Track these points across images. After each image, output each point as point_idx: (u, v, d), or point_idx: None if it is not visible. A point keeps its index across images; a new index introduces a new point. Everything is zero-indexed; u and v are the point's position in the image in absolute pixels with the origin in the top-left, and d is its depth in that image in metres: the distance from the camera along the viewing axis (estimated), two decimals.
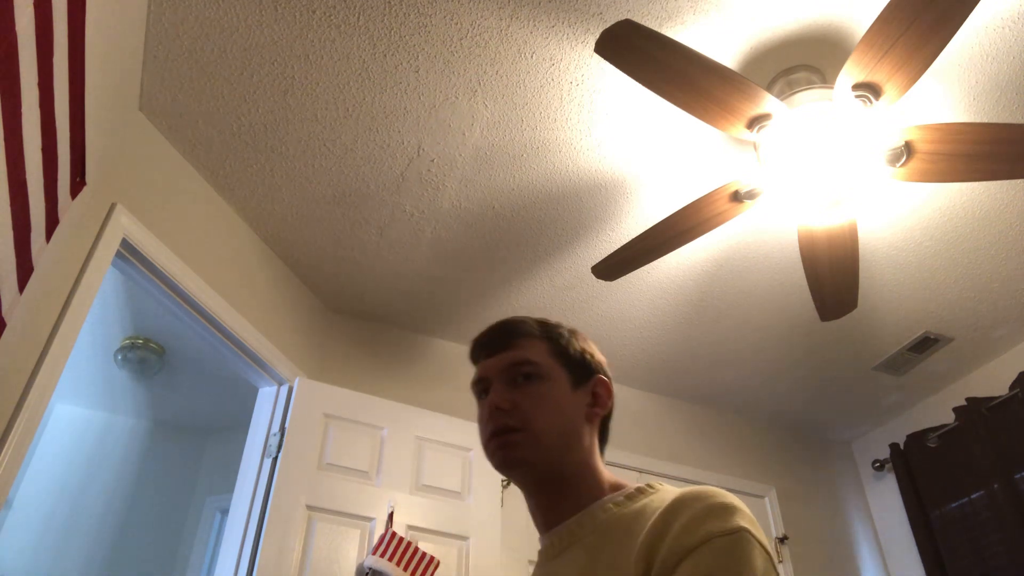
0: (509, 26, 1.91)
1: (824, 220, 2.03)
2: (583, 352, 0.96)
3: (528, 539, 2.76)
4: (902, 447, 3.46)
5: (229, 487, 2.55)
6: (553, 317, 1.03)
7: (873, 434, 3.76)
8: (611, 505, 0.85)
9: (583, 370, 0.94)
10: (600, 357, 1.00)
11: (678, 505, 0.74)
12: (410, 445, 2.63)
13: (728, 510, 0.72)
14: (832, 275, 2.19)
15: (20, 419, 1.56)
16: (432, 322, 3.10)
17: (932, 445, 3.28)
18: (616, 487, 0.89)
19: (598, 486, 0.89)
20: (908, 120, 2.10)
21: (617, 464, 3.14)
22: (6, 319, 1.31)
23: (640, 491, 0.87)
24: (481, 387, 0.93)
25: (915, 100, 2.07)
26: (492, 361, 0.93)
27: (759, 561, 0.69)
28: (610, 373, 1.00)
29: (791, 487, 3.57)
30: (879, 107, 1.73)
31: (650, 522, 0.75)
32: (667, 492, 0.82)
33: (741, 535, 0.70)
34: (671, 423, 3.51)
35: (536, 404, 0.88)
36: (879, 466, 3.61)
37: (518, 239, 2.63)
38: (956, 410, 3.18)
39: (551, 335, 0.95)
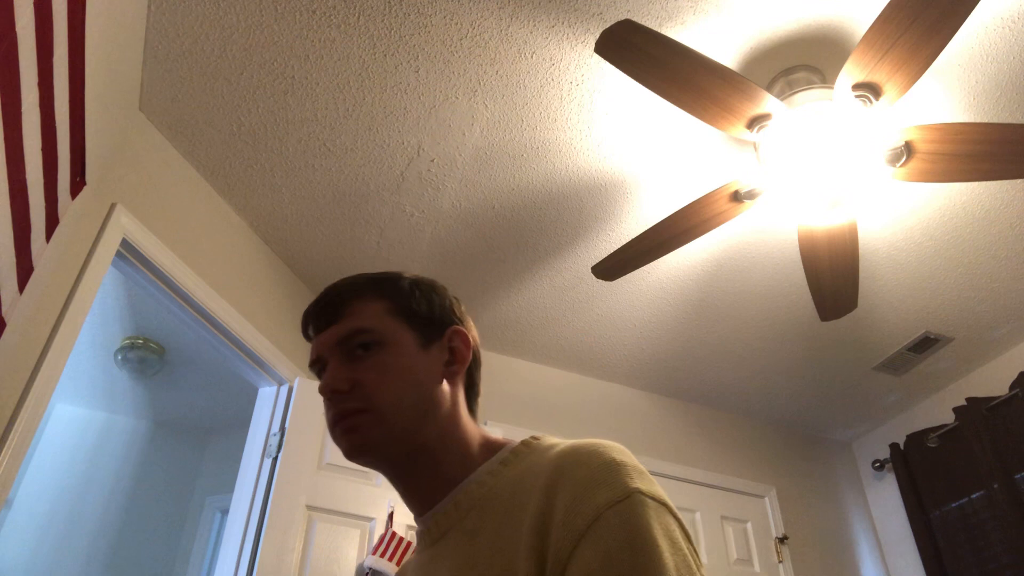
0: (509, 26, 1.91)
1: (824, 220, 2.03)
2: (431, 304, 0.83)
3: None
4: (902, 447, 3.46)
5: (229, 487, 2.55)
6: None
7: (873, 434, 3.76)
8: (486, 477, 0.76)
9: (433, 324, 0.82)
10: (455, 305, 0.87)
11: (559, 474, 0.66)
12: None
13: (612, 469, 0.65)
14: (832, 275, 2.19)
15: (20, 419, 1.56)
16: None
17: (932, 445, 3.28)
18: (490, 449, 0.80)
19: (468, 456, 0.79)
20: (908, 120, 2.10)
21: None
22: (6, 319, 1.31)
23: (515, 454, 0.77)
24: (319, 367, 0.81)
25: (915, 100, 2.07)
26: (323, 336, 0.80)
27: (657, 525, 0.62)
28: (470, 322, 0.88)
29: (791, 487, 3.57)
30: (879, 107, 1.73)
31: (532, 502, 0.66)
32: (545, 452, 0.73)
33: (632, 499, 0.63)
34: (671, 423, 3.51)
35: (378, 377, 0.76)
36: (879, 466, 3.61)
37: (518, 239, 2.63)
38: (956, 410, 3.18)
39: (389, 291, 0.82)
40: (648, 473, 0.68)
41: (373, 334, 0.78)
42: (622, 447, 0.70)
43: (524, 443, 0.79)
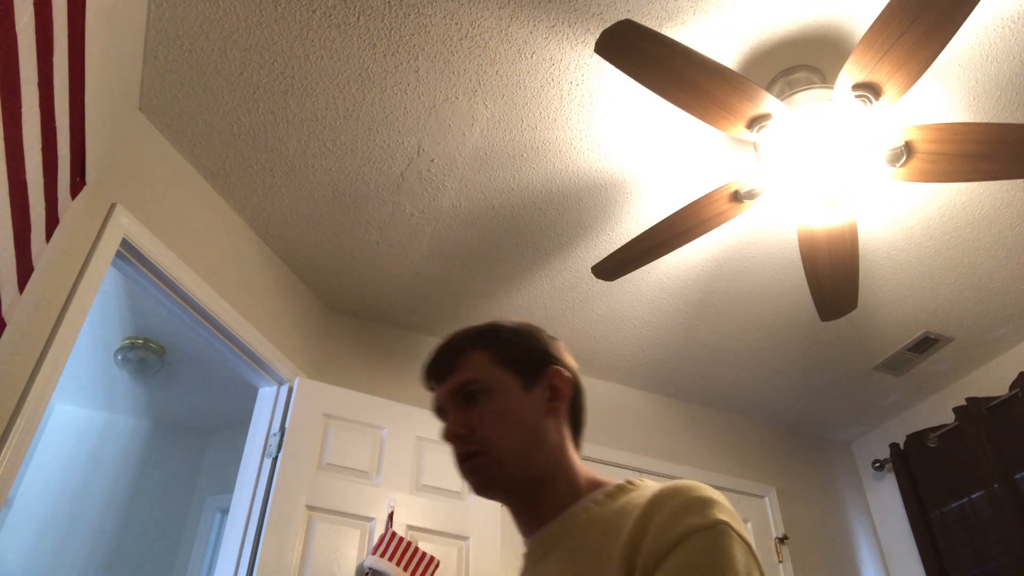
0: (509, 26, 1.91)
1: (824, 220, 2.03)
2: (528, 348, 0.93)
3: None
4: (902, 447, 3.46)
5: (229, 487, 2.55)
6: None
7: (873, 434, 3.76)
8: (591, 505, 0.84)
9: (533, 367, 0.91)
10: (552, 345, 0.96)
11: (656, 502, 0.73)
12: (410, 445, 2.63)
13: (706, 504, 0.72)
14: (832, 275, 2.19)
15: (20, 419, 1.56)
16: (432, 322, 3.10)
17: (932, 445, 3.28)
18: (595, 485, 0.88)
19: (575, 485, 0.87)
20: (908, 120, 2.10)
21: (618, 464, 3.15)
22: (6, 319, 1.31)
23: (620, 488, 0.85)
24: (441, 415, 0.93)
25: (915, 100, 2.07)
26: (441, 389, 0.92)
27: (739, 554, 0.68)
28: (567, 358, 0.96)
29: (791, 487, 3.57)
30: (879, 107, 1.73)
31: (630, 521, 0.74)
32: (647, 488, 0.81)
33: (720, 529, 0.69)
34: (671, 423, 3.51)
35: (490, 421, 0.87)
36: (879, 466, 3.61)
37: (518, 239, 2.63)
38: (956, 410, 3.18)
39: (490, 343, 0.92)
40: (738, 515, 0.74)
41: (481, 383, 0.89)
42: (718, 492, 0.76)
43: (629, 481, 0.86)
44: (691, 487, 0.74)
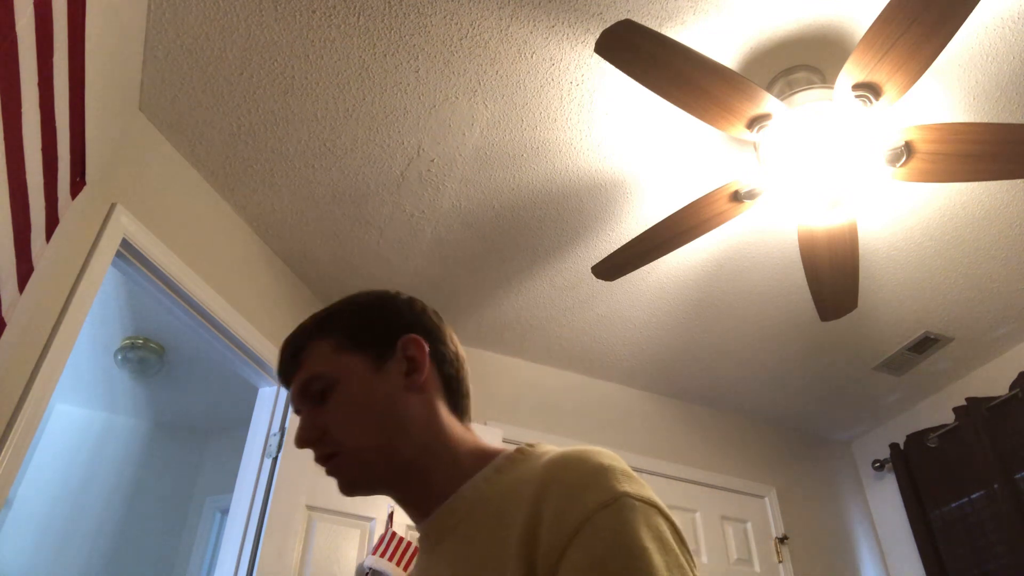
0: (509, 26, 1.91)
1: (824, 220, 2.03)
2: (372, 322, 0.84)
3: None
4: (902, 447, 3.46)
5: (229, 487, 2.55)
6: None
7: (873, 434, 3.76)
8: (480, 482, 0.77)
9: (379, 342, 0.82)
10: (407, 310, 0.86)
11: (549, 479, 0.67)
12: None
13: (600, 473, 0.65)
14: (832, 275, 2.19)
15: (20, 419, 1.56)
16: None
17: (932, 445, 3.28)
18: (485, 456, 0.80)
19: (458, 461, 0.79)
20: (908, 120, 2.10)
21: None
22: (6, 319, 1.31)
23: (510, 460, 0.78)
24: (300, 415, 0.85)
25: (915, 100, 2.07)
26: (291, 391, 0.84)
27: (646, 525, 0.62)
28: (429, 320, 0.86)
29: (791, 487, 3.57)
30: (879, 107, 1.73)
31: (521, 510, 0.67)
32: (535, 458, 0.74)
33: (620, 502, 0.63)
34: (671, 423, 3.51)
35: (339, 417, 0.79)
36: (879, 466, 3.61)
37: (518, 239, 2.63)
38: (956, 410, 3.18)
39: (330, 329, 0.83)
40: (637, 476, 0.68)
41: (324, 379, 0.80)
42: (611, 452, 0.70)
43: (519, 450, 0.79)
44: (583, 456, 0.68)
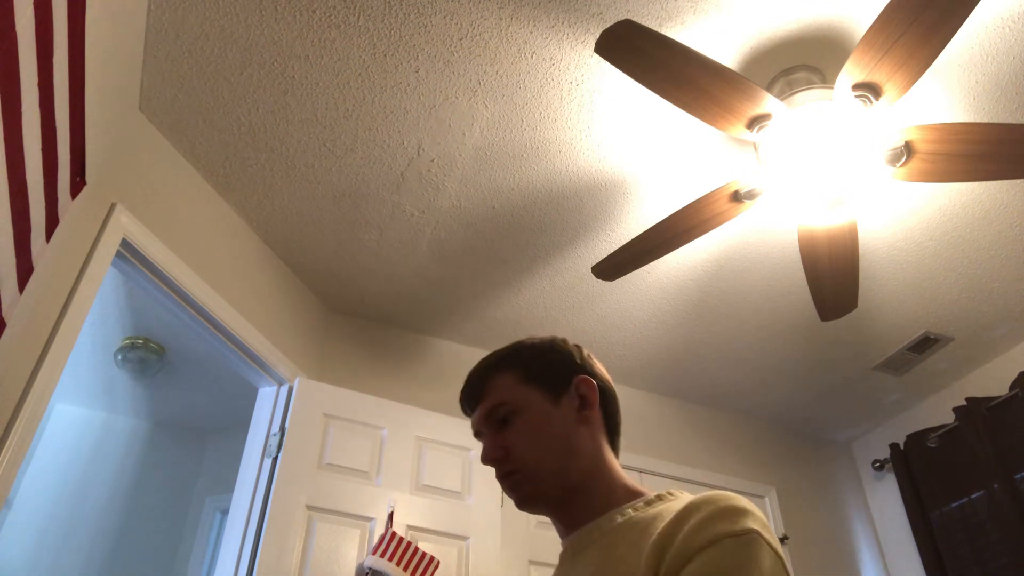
0: (509, 26, 1.91)
1: (824, 220, 2.03)
2: (550, 362, 0.96)
3: (528, 539, 2.76)
4: (902, 447, 3.46)
5: (229, 487, 2.55)
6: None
7: (873, 434, 3.76)
8: (629, 510, 0.86)
9: (557, 379, 0.95)
10: (577, 354, 0.99)
11: (691, 508, 0.75)
12: (410, 445, 2.63)
13: (739, 512, 0.73)
14: (832, 275, 2.19)
15: (20, 419, 1.56)
16: (432, 322, 3.10)
17: (932, 445, 3.28)
18: (634, 494, 0.90)
19: (613, 490, 0.90)
20: (908, 120, 2.10)
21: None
22: (6, 319, 1.31)
23: (660, 497, 0.87)
24: (479, 438, 0.97)
25: (915, 100, 2.07)
26: (475, 416, 0.96)
27: (767, 562, 0.69)
28: (595, 364, 0.99)
29: (791, 487, 3.57)
30: (879, 107, 1.73)
31: (663, 524, 0.76)
32: (685, 498, 0.83)
33: (750, 536, 0.70)
34: (671, 423, 3.51)
35: (522, 441, 0.91)
36: (879, 466, 3.61)
37: (518, 239, 2.63)
38: (956, 410, 3.18)
39: (512, 364, 0.96)
40: (774, 533, 0.75)
41: (508, 405, 0.93)
42: (753, 504, 0.77)
43: (669, 492, 0.88)
44: (726, 496, 0.76)
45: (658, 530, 0.75)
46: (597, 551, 0.84)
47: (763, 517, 0.75)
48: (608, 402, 0.97)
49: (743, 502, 0.75)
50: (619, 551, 0.80)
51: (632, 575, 0.74)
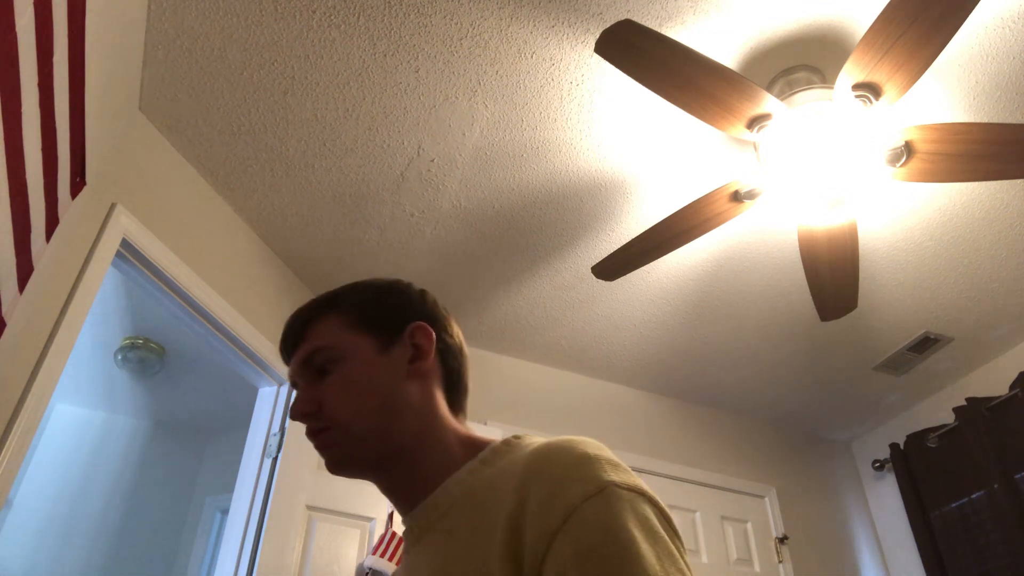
0: (509, 26, 1.91)
1: (824, 220, 2.03)
2: (387, 306, 0.85)
3: None
4: (902, 447, 3.46)
5: (229, 487, 2.55)
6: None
7: (873, 434, 3.76)
8: (465, 475, 0.76)
9: (391, 325, 0.83)
10: (419, 300, 0.87)
11: (532, 471, 0.65)
12: None
13: (585, 463, 0.64)
14: (832, 275, 2.19)
15: (20, 419, 1.56)
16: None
17: (932, 445, 3.28)
18: (475, 448, 0.79)
19: (449, 452, 0.79)
20: (908, 120, 2.10)
21: None
22: (6, 319, 1.31)
23: (495, 452, 0.77)
24: (296, 390, 0.85)
25: (915, 100, 2.07)
26: (292, 362, 0.84)
27: (633, 514, 0.61)
28: (439, 314, 0.87)
29: (791, 487, 3.57)
30: (879, 107, 1.73)
31: (505, 501, 0.65)
32: (521, 450, 0.73)
33: (606, 492, 0.62)
34: (671, 423, 3.51)
35: (337, 392, 0.79)
36: (879, 466, 3.61)
37: (518, 239, 2.63)
38: (956, 410, 3.18)
39: (342, 305, 0.84)
40: (624, 465, 0.67)
41: (329, 351, 0.81)
42: (596, 442, 0.69)
43: (505, 442, 0.78)
44: (566, 446, 0.67)
45: (502, 507, 0.65)
46: (438, 536, 0.73)
47: (611, 455, 0.67)
48: (451, 357, 0.85)
49: (589, 446, 0.67)
50: (462, 535, 0.69)
51: (483, 565, 0.63)
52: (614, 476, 0.64)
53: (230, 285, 2.39)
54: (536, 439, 0.75)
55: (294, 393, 2.50)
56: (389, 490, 0.82)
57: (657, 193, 2.41)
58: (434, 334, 0.84)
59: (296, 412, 0.80)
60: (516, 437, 0.79)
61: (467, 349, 0.90)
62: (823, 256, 2.14)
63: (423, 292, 0.89)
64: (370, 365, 0.80)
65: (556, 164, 2.31)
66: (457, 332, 0.89)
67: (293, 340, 0.84)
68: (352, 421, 0.78)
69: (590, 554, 0.58)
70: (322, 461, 0.76)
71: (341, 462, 0.80)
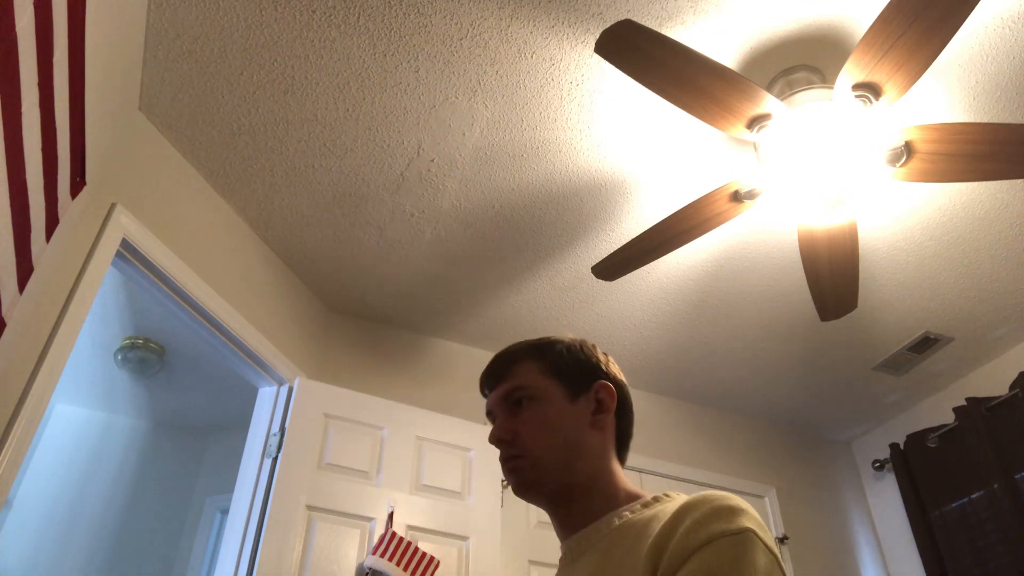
0: (509, 26, 1.91)
1: (824, 220, 2.03)
2: (577, 362, 0.97)
3: (528, 539, 2.76)
4: (902, 447, 3.46)
5: (229, 487, 2.55)
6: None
7: (873, 434, 3.76)
8: (627, 513, 0.87)
9: (580, 379, 0.95)
10: (603, 361, 1.00)
11: (686, 508, 0.76)
12: (410, 445, 2.63)
13: (734, 512, 0.73)
14: (832, 275, 2.19)
15: (20, 419, 1.56)
16: (432, 322, 3.10)
17: (932, 445, 3.28)
18: (633, 497, 0.91)
19: (613, 495, 0.90)
20: (908, 120, 2.10)
21: None
22: (6, 319, 1.31)
23: (656, 499, 0.88)
24: (492, 418, 0.98)
25: (915, 100, 2.07)
26: (493, 394, 0.98)
27: (762, 561, 0.70)
28: (616, 374, 1.00)
29: (791, 487, 3.57)
30: (879, 107, 1.73)
31: (657, 529, 0.76)
32: (681, 499, 0.83)
33: (745, 535, 0.71)
34: (672, 423, 3.51)
35: (532, 428, 0.92)
36: (879, 466, 3.61)
37: (518, 239, 2.63)
38: (956, 410, 3.18)
39: (541, 354, 0.97)
40: (770, 533, 0.77)
41: (527, 390, 0.94)
42: (747, 503, 0.77)
43: (665, 493, 0.89)
44: (721, 496, 0.76)
45: (655, 532, 0.76)
46: (595, 555, 0.84)
47: (758, 516, 0.76)
48: (624, 413, 0.98)
49: (738, 501, 0.76)
50: (616, 554, 0.81)
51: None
52: (757, 529, 0.73)
53: (230, 285, 2.39)
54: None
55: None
56: (559, 519, 0.93)
57: (657, 193, 2.41)
58: (616, 394, 0.96)
59: (495, 438, 0.94)
60: (673, 493, 0.89)
61: (634, 410, 1.02)
62: (823, 256, 2.14)
63: (606, 354, 1.02)
64: (561, 410, 0.93)
65: (556, 164, 2.31)
66: (625, 388, 1.01)
67: (495, 376, 0.98)
68: (542, 454, 0.90)
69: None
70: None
71: (525, 486, 0.92)
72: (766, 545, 0.72)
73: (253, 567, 2.18)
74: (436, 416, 2.74)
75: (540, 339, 1.01)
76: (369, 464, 2.53)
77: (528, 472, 0.91)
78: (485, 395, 1.00)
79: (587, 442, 0.92)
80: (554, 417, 0.92)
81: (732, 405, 3.65)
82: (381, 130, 2.21)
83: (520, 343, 1.01)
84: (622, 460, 0.97)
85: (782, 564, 0.73)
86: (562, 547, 0.93)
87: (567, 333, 1.03)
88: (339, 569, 2.29)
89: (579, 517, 0.90)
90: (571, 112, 2.14)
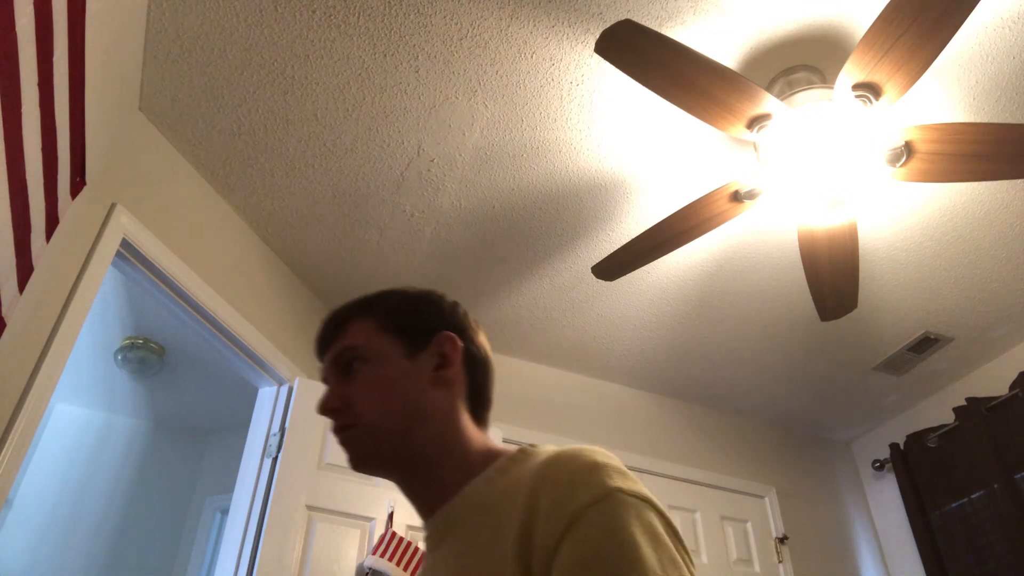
0: (509, 26, 1.91)
1: (824, 220, 2.03)
2: (417, 313, 0.87)
3: None
4: (902, 447, 3.46)
5: (229, 487, 2.55)
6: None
7: (873, 434, 3.76)
8: (483, 484, 0.77)
9: (419, 332, 0.85)
10: (449, 310, 0.89)
11: (542, 478, 0.68)
12: None
13: (592, 470, 0.66)
14: (832, 275, 2.19)
15: (20, 419, 1.56)
16: None
17: (932, 445, 3.28)
18: (493, 457, 0.81)
19: (468, 461, 0.80)
20: (908, 120, 2.10)
21: None
22: (6, 319, 1.31)
23: (512, 460, 0.78)
24: (327, 385, 0.88)
25: (915, 100, 2.07)
26: (325, 359, 0.87)
27: (638, 520, 0.63)
28: (469, 326, 0.89)
29: (791, 487, 3.57)
30: (879, 107, 1.73)
31: (517, 509, 0.67)
32: (535, 458, 0.74)
33: (612, 498, 0.64)
34: (671, 423, 3.51)
35: (363, 392, 0.81)
36: (879, 466, 3.61)
37: (518, 239, 2.63)
38: (956, 410, 3.18)
39: (374, 309, 0.87)
40: (630, 473, 0.69)
41: (357, 350, 0.84)
42: (605, 451, 0.70)
43: (521, 450, 0.80)
44: (575, 454, 0.69)
45: (515, 515, 0.67)
46: (456, 541, 0.75)
47: (619, 464, 0.68)
48: (477, 369, 0.87)
49: (596, 454, 0.68)
50: (479, 542, 0.71)
51: (497, 569, 0.66)
52: (620, 483, 0.65)
53: (230, 285, 2.39)
54: (550, 448, 0.76)
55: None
56: (409, 492, 0.84)
57: (657, 193, 2.41)
58: (461, 345, 0.86)
59: (323, 407, 0.83)
60: (531, 446, 0.81)
61: (494, 363, 0.92)
62: (823, 256, 2.14)
63: (454, 304, 0.91)
64: (397, 368, 0.83)
65: (556, 164, 2.31)
66: (485, 345, 0.91)
67: (327, 337, 0.88)
68: (375, 420, 0.80)
69: (594, 559, 0.60)
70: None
71: (363, 459, 0.82)
72: (638, 497, 0.65)
73: (253, 567, 2.18)
74: None
75: (375, 292, 0.91)
76: None
77: (363, 443, 0.80)
78: (320, 359, 0.89)
79: (430, 403, 0.81)
80: (390, 378, 0.82)
81: (732, 405, 3.65)
82: (381, 130, 2.21)
83: (356, 299, 0.90)
84: (479, 420, 0.86)
85: (660, 508, 0.66)
86: (424, 528, 0.83)
87: (410, 286, 0.93)
88: (339, 569, 2.29)
89: (432, 492, 0.80)
90: (571, 112, 2.14)
